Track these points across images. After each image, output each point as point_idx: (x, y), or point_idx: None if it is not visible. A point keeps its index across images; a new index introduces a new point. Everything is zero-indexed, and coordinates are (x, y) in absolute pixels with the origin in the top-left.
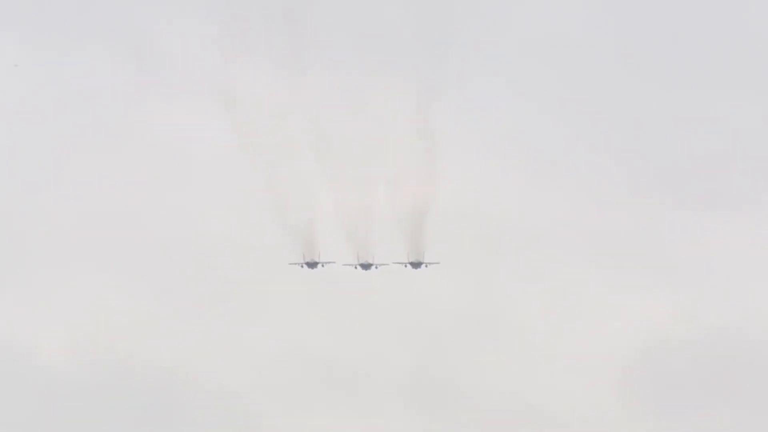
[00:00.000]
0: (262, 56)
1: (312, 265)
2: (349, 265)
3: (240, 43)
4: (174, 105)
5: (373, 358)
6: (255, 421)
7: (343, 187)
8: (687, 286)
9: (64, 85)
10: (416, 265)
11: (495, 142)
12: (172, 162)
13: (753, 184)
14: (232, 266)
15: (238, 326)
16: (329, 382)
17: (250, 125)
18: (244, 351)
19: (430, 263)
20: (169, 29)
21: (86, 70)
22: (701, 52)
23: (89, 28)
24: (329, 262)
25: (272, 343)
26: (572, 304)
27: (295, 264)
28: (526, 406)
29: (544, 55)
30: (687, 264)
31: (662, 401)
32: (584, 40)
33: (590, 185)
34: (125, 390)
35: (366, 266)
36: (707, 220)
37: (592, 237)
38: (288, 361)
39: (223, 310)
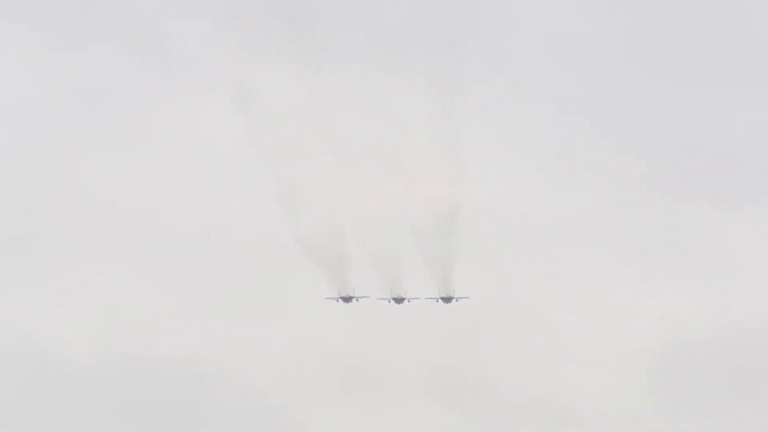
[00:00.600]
0: (278, 54)
1: (347, 299)
2: (383, 299)
3: (256, 41)
4: (189, 103)
5: (397, 353)
6: (275, 416)
7: (363, 192)
8: (711, 283)
9: (80, 84)
10: (447, 300)
11: (515, 140)
12: (193, 159)
13: None
14: (253, 262)
15: (260, 321)
16: (351, 376)
17: (267, 124)
18: (266, 346)
19: (460, 298)
20: (184, 27)
21: (101, 68)
22: (724, 49)
23: (104, 26)
24: (363, 297)
25: (293, 337)
26: (596, 301)
27: (331, 298)
28: (550, 401)
29: (562, 53)
30: (711, 260)
31: (687, 397)
32: (604, 37)
33: (613, 182)
34: (147, 384)
35: (399, 300)
36: (731, 217)
37: (616, 234)
38: (309, 355)
39: (244, 305)
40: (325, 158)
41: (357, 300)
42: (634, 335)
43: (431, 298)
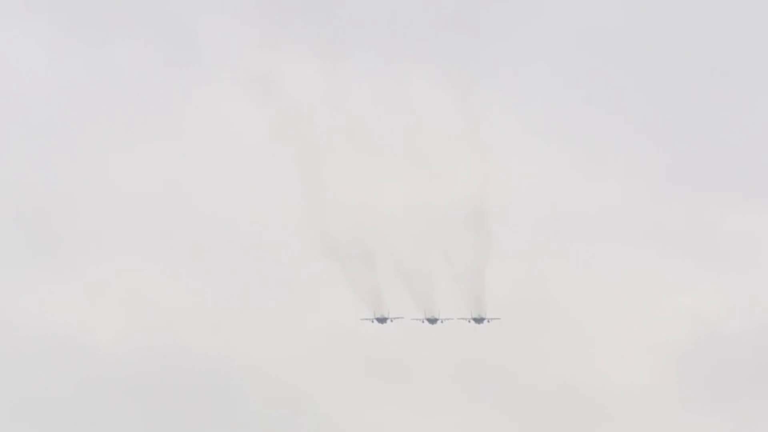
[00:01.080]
0: (302, 46)
1: (382, 320)
2: (417, 319)
3: (279, 33)
4: (214, 95)
5: (426, 343)
6: (301, 407)
7: (387, 185)
8: (741, 275)
9: (107, 76)
10: (479, 320)
11: (541, 132)
12: (218, 151)
13: None
14: (279, 255)
15: (286, 314)
16: (380, 367)
17: (290, 115)
18: (292, 338)
19: (492, 319)
20: (209, 19)
21: (127, 60)
22: (754, 38)
23: (131, 18)
24: (398, 318)
25: (322, 329)
26: (626, 294)
27: (366, 319)
28: (578, 394)
29: (588, 43)
30: (741, 253)
31: (716, 390)
32: (631, 27)
33: (643, 174)
34: (175, 375)
35: (432, 321)
36: (762, 209)
37: (645, 226)
38: (338, 347)
39: (271, 298)
40: (349, 150)
41: (392, 321)
42: (663, 328)
43: (463, 319)
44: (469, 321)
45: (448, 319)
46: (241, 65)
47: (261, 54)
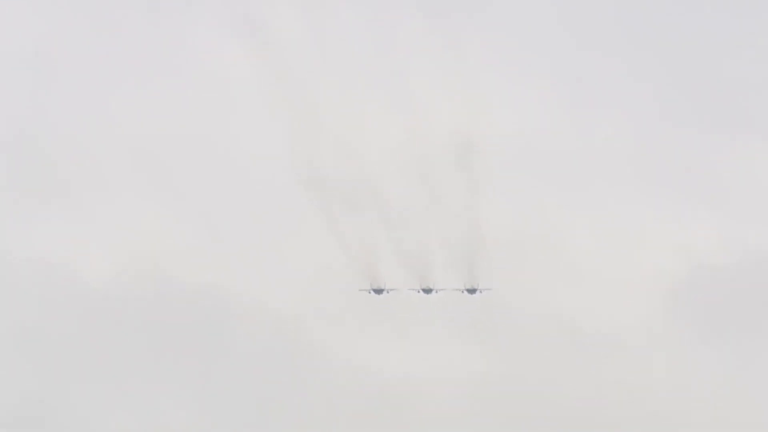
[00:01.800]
0: None
1: (378, 291)
2: (413, 290)
3: None
4: (202, 37)
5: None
6: (293, 339)
7: (375, 125)
8: (731, 208)
9: (97, 16)
10: (471, 291)
11: (530, 70)
12: (209, 90)
13: None
14: (267, 192)
15: (275, 248)
16: (371, 302)
17: (278, 55)
18: (285, 270)
19: (484, 289)
20: None
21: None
22: None
23: None
24: (394, 289)
25: (312, 261)
26: (617, 228)
27: (364, 290)
28: (571, 327)
29: None
30: (731, 186)
31: (707, 323)
32: None
33: (633, 110)
34: (167, 309)
35: (427, 291)
36: (752, 143)
37: (636, 161)
38: (328, 279)
39: (265, 230)
40: (336, 89)
41: (388, 292)
42: (654, 262)
43: (457, 290)
44: (463, 292)
45: (442, 289)
46: (229, 5)
47: None
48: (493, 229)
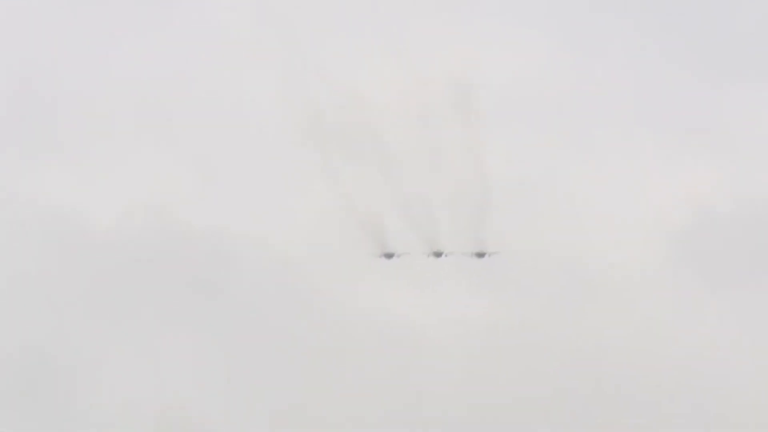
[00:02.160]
0: None
1: (389, 256)
2: (423, 254)
3: None
4: None
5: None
6: (299, 284)
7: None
8: (735, 155)
9: None
10: (480, 255)
11: (533, 12)
12: (209, 39)
13: None
14: (273, 133)
15: (280, 192)
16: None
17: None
18: (295, 215)
19: (492, 253)
20: None
21: None
22: None
23: None
24: (405, 253)
25: (322, 206)
26: (619, 173)
27: (374, 255)
28: (574, 272)
29: None
30: (734, 132)
31: (709, 269)
32: None
33: (636, 55)
34: (174, 251)
35: (438, 254)
36: (756, 90)
37: (638, 107)
38: (339, 225)
39: (267, 175)
40: (333, 34)
41: (398, 257)
42: (657, 207)
43: (466, 254)
44: (471, 256)
45: (451, 253)
46: None
47: None
48: (496, 178)
